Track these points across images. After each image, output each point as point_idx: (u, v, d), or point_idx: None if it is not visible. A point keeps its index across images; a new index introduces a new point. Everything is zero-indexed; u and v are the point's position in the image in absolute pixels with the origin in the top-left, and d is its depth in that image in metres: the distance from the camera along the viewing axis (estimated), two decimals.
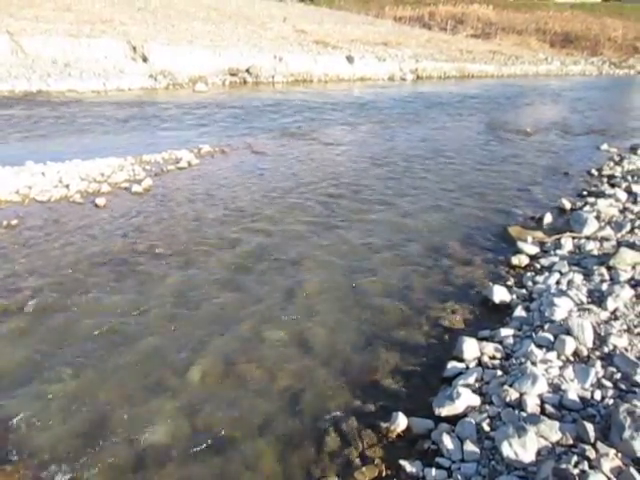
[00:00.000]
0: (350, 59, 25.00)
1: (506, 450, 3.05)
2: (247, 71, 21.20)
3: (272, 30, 28.39)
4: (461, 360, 4.04)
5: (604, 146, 12.27)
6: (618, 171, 9.80)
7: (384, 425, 3.49)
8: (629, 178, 9.09)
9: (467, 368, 3.96)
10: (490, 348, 4.11)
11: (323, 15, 38.68)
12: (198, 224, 6.70)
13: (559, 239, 6.33)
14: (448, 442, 3.24)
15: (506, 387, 3.56)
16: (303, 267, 5.66)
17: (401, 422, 3.46)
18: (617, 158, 11.05)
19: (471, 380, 3.76)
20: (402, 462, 3.20)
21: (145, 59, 19.46)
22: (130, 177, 8.40)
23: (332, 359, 4.20)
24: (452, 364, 4.00)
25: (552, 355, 3.90)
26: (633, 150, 11.72)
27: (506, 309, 4.89)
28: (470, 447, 3.18)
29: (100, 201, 7.28)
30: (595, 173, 9.90)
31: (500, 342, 4.24)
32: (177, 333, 4.47)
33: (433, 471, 3.09)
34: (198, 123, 13.01)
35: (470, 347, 4.08)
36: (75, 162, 8.63)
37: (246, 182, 8.54)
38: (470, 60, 31.90)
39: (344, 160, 10.22)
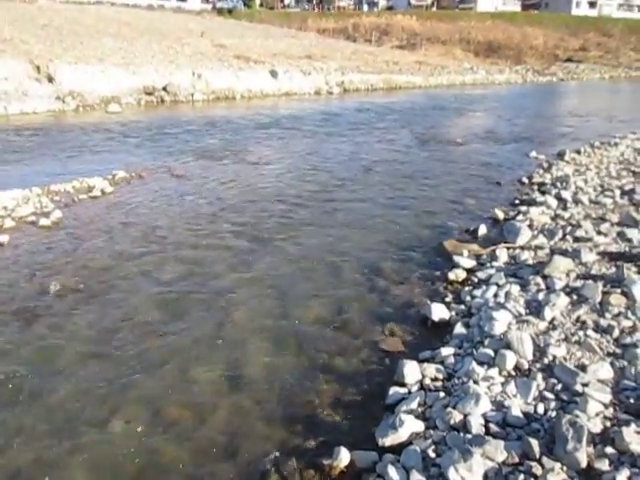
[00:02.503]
0: (274, 74, 25.29)
1: (452, 476, 3.08)
2: (164, 89, 20.97)
3: (189, 45, 28.29)
4: (403, 385, 4.08)
5: (533, 153, 12.96)
6: (548, 178, 10.35)
7: (326, 462, 3.45)
8: (558, 184, 9.61)
9: (409, 393, 4.00)
10: (432, 369, 4.18)
11: (243, 29, 39.00)
12: (115, 258, 6.47)
13: (494, 250, 6.58)
14: (394, 474, 3.24)
15: (449, 409, 3.62)
16: (231, 297, 5.58)
17: (344, 457, 3.43)
18: (546, 165, 11.68)
19: (414, 405, 3.80)
20: None
21: (51, 79, 18.84)
22: (37, 210, 8.04)
23: (267, 395, 4.13)
24: (394, 390, 4.04)
25: (494, 371, 4.01)
26: (560, 156, 12.42)
27: (446, 327, 5.00)
28: (416, 477, 3.19)
29: (2, 238, 6.90)
30: (526, 181, 10.40)
31: (441, 362, 4.32)
32: (94, 380, 4.26)
33: None
34: (112, 147, 12.69)
35: (411, 370, 4.13)
36: None
37: (167, 209, 8.38)
38: (396, 71, 33.03)
39: (271, 180, 10.24)
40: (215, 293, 5.67)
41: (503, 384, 3.86)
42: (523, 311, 4.90)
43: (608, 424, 3.39)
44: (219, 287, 5.80)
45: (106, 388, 4.17)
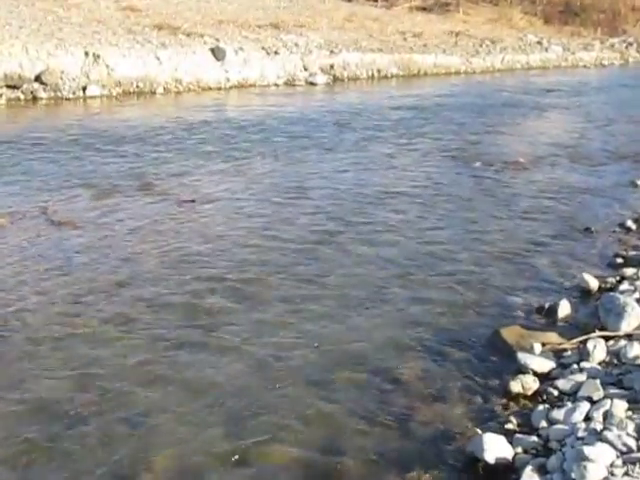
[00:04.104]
0: (219, 53, 25.49)
1: None
2: (38, 80, 21.13)
3: (80, 8, 28.65)
4: None
5: None
6: None
7: None
8: None
9: None
10: None
11: None
12: None
13: (584, 343, 6.62)
14: None
15: None
16: (142, 441, 5.50)
17: None
18: None
19: None
20: None
21: None
22: None
23: None
24: None
25: None
26: None
27: (508, 472, 4.99)
28: None
29: None
30: (632, 226, 10.59)
31: None
32: None
33: None
34: None
35: None
36: None
37: (39, 277, 8.39)
38: (419, 49, 33.56)
39: (214, 228, 10.37)
40: (111, 429, 5.61)
41: None
42: (634, 444, 4.91)
43: None
44: (124, 417, 5.77)
45: None
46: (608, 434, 5.00)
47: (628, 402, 5.49)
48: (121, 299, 7.90)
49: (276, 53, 27.44)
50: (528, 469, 4.87)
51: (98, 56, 22.62)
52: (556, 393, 5.96)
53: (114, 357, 6.62)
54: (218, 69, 25.24)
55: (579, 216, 11.25)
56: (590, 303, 7.77)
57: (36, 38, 22.97)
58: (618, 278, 8.37)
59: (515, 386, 6.07)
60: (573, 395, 5.82)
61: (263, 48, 27.52)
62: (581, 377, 6.06)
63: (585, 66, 38.71)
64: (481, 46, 37.06)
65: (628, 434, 5.03)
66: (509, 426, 5.58)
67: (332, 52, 29.37)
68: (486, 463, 5.05)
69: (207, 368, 6.50)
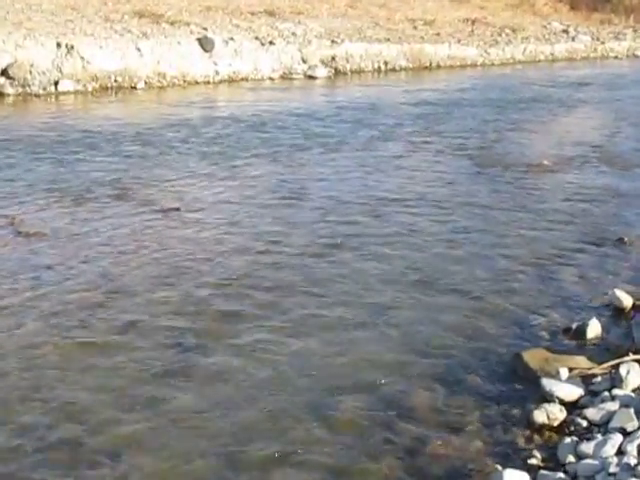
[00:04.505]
0: (206, 43, 25.45)
1: None
2: (5, 74, 21.11)
3: None
4: None
5: None
6: None
7: None
8: None
9: None
10: None
11: None
12: None
13: (617, 367, 6.60)
14: None
15: None
16: None
17: None
18: None
19: None
20: None
21: None
22: None
23: None
24: None
25: None
26: None
27: None
28: None
29: None
30: None
31: None
32: None
33: None
34: None
35: None
36: None
37: (3, 295, 8.37)
38: (431, 38, 33.52)
39: (201, 239, 10.38)
40: (88, 463, 5.57)
41: None
42: None
43: None
44: (102, 449, 5.74)
45: None
46: None
47: None
48: (96, 320, 7.87)
49: (271, 43, 27.33)
50: None
51: (72, 47, 22.52)
52: (585, 424, 5.92)
53: (90, 384, 6.61)
54: (206, 61, 25.14)
55: (611, 225, 11.21)
56: (623, 323, 7.74)
57: (2, 28, 22.92)
58: None
59: (539, 416, 6.03)
60: (604, 426, 5.79)
61: (256, 38, 27.44)
62: (613, 406, 6.02)
63: (616, 57, 38.51)
64: (500, 35, 36.93)
65: None
66: (532, 461, 5.54)
67: (333, 42, 29.25)
68: None
69: (195, 395, 6.49)
